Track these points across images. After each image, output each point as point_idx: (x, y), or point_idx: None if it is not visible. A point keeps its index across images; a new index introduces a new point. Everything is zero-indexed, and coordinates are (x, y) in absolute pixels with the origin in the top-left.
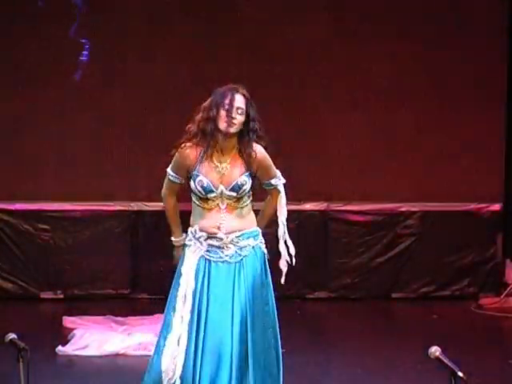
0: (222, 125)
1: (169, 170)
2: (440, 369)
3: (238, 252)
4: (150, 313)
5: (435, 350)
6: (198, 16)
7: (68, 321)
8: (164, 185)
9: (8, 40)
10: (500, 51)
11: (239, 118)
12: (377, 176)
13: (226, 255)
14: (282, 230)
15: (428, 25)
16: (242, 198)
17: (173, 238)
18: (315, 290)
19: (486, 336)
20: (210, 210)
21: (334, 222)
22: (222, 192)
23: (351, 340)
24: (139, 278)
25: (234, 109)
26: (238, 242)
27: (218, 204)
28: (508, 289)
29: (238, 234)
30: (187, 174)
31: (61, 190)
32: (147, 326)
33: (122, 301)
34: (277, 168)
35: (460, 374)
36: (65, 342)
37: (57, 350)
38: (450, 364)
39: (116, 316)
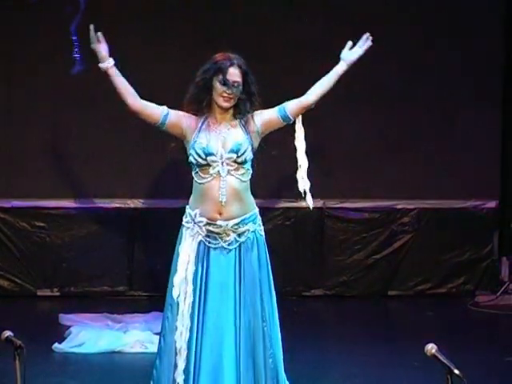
0: (219, 99)
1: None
2: (436, 366)
3: (237, 239)
4: (147, 310)
5: (431, 348)
6: (197, 16)
7: (64, 318)
8: None
9: (4, 37)
10: (498, 51)
11: (235, 92)
12: (373, 173)
13: (225, 241)
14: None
15: (427, 24)
16: (242, 166)
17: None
18: (312, 287)
19: (483, 333)
20: (211, 182)
21: (330, 219)
22: (221, 155)
23: (347, 337)
24: (136, 275)
25: (230, 84)
26: (237, 229)
27: (218, 172)
28: (504, 286)
29: (237, 220)
30: (178, 128)
31: (57, 187)
32: (144, 324)
33: (118, 298)
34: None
35: (456, 371)
36: (61, 340)
37: (53, 347)
38: (446, 361)
39: (113, 313)
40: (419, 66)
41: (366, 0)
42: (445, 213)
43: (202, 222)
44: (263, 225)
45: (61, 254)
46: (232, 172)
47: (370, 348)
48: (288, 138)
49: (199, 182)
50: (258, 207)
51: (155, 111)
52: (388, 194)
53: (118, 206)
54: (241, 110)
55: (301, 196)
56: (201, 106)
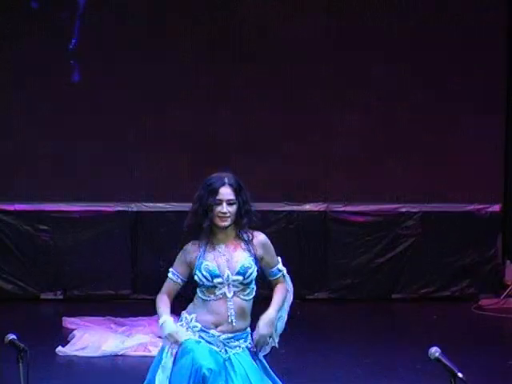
0: (216, 220)
1: (170, 269)
2: (440, 369)
3: (227, 349)
4: (150, 314)
5: (435, 351)
6: (198, 17)
7: (68, 321)
8: (162, 289)
9: (6, 41)
10: (500, 52)
11: (231, 210)
12: (377, 177)
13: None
14: (285, 315)
15: (428, 26)
16: (247, 286)
17: (162, 319)
18: (315, 290)
19: (486, 336)
20: (217, 301)
21: (333, 222)
22: (228, 277)
23: (351, 340)
24: (139, 278)
25: (225, 204)
26: (228, 343)
27: (224, 293)
28: (508, 289)
29: (230, 335)
30: (188, 270)
31: (61, 190)
32: (147, 327)
33: (121, 302)
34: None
35: (460, 374)
36: (65, 343)
37: (57, 350)
38: (449, 364)
39: (116, 317)
40: (422, 70)
41: (367, 3)
42: (448, 216)
43: (196, 327)
44: (267, 227)
45: (64, 257)
46: (238, 293)
47: (374, 350)
48: (289, 142)
49: (203, 298)
50: (262, 210)
51: (176, 289)
52: (392, 197)
53: (120, 209)
54: (241, 227)
55: (304, 199)
56: (202, 231)
